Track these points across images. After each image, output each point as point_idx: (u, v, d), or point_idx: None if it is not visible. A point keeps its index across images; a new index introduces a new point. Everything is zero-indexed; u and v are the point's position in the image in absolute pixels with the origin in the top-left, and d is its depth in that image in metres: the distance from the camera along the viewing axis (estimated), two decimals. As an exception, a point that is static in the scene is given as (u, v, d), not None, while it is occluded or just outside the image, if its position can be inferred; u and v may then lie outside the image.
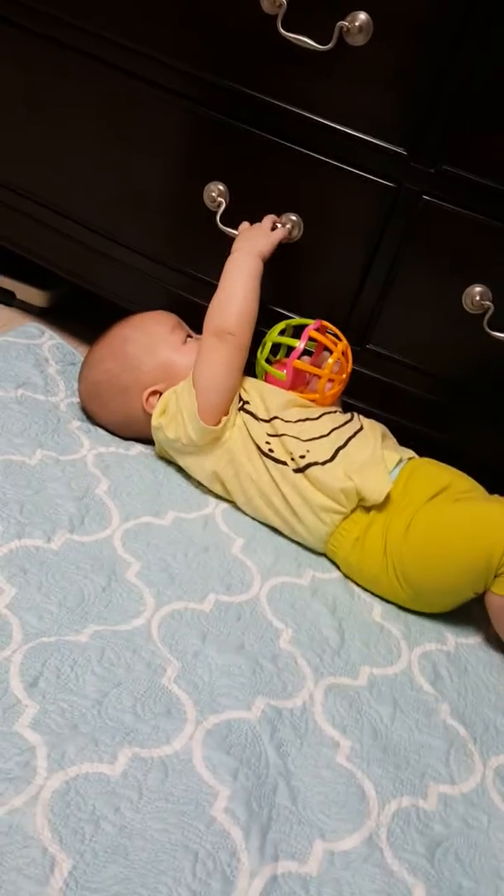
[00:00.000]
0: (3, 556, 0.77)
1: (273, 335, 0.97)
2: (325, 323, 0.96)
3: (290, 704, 0.70)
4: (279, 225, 0.94)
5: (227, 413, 0.91)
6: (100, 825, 0.56)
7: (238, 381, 0.93)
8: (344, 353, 0.95)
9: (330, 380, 0.95)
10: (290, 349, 0.96)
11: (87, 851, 0.54)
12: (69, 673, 0.67)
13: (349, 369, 0.96)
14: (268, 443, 0.90)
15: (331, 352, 0.94)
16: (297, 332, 0.97)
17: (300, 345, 0.93)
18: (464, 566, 0.80)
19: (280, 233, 0.93)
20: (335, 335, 0.96)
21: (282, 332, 0.97)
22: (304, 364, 0.96)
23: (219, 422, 0.91)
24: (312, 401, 0.96)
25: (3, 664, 0.66)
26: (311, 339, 0.94)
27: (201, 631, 0.76)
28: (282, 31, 0.84)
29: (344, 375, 0.95)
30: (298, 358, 0.95)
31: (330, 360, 0.94)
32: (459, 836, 0.63)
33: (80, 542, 0.82)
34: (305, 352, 0.95)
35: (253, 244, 0.92)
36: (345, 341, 0.95)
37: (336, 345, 0.94)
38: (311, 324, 0.95)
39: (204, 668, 0.72)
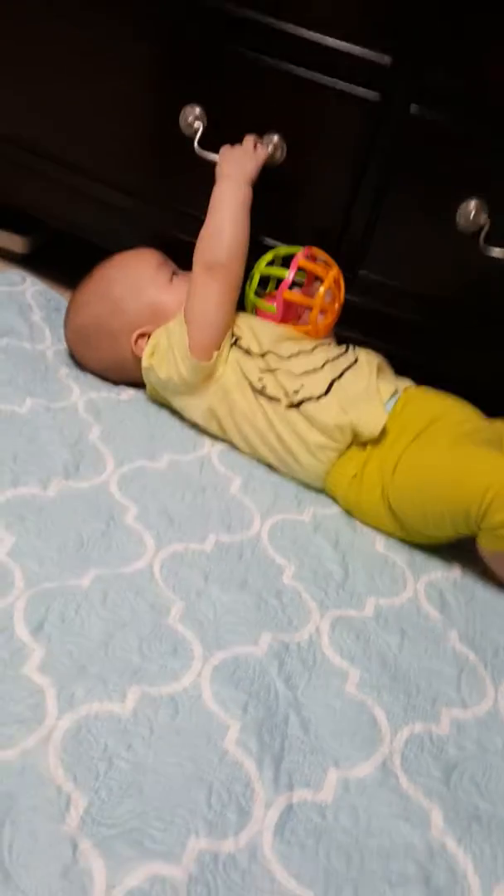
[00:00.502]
0: (1, 505, 0.75)
1: (261, 266, 0.94)
2: (315, 250, 0.93)
3: (296, 638, 0.70)
4: (260, 145, 0.90)
5: (219, 348, 0.89)
6: (113, 762, 0.56)
7: (231, 315, 0.91)
8: (336, 281, 0.92)
9: (322, 310, 0.93)
10: (280, 280, 0.93)
11: (102, 788, 0.54)
12: (73, 616, 0.66)
13: (342, 298, 0.93)
14: (260, 379, 0.88)
15: (322, 280, 0.92)
16: (285, 261, 0.94)
17: (289, 275, 0.91)
18: (444, 512, 0.78)
19: (263, 152, 0.90)
20: (325, 262, 0.93)
21: (270, 263, 0.95)
22: (295, 295, 0.93)
23: (211, 357, 0.88)
24: (305, 333, 0.94)
25: (6, 610, 0.65)
26: (300, 268, 0.91)
27: (203, 571, 0.75)
28: None
29: (336, 305, 0.93)
30: (288, 289, 0.92)
31: (321, 290, 0.91)
32: (474, 760, 0.63)
33: (77, 488, 0.81)
34: (295, 283, 0.93)
35: (240, 169, 0.89)
36: (336, 268, 0.92)
37: (327, 272, 0.91)
38: (300, 252, 0.92)
39: (208, 606, 0.71)
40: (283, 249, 0.95)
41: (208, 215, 0.90)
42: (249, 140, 0.91)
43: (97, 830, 0.52)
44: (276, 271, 0.93)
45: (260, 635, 0.69)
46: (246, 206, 0.89)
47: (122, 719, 0.59)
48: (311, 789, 0.58)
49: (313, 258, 0.93)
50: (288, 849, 0.54)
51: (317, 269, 0.91)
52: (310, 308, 0.93)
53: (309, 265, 0.91)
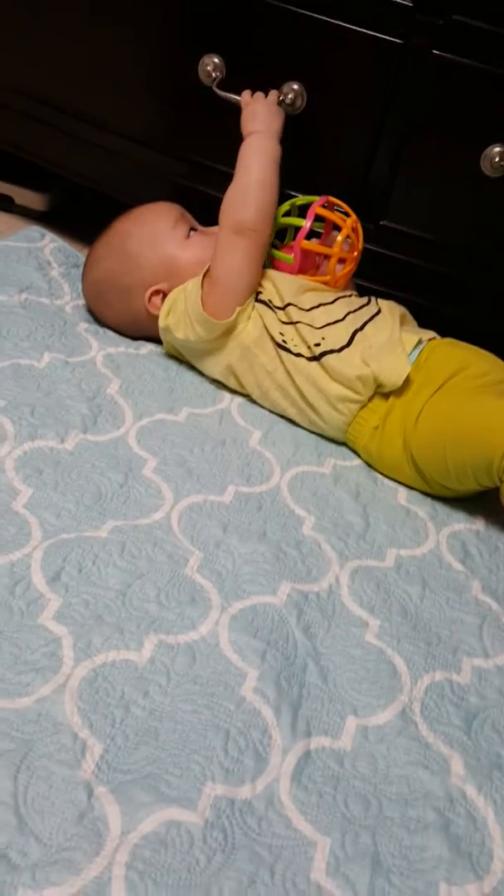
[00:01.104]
0: (18, 458, 0.75)
1: (278, 217, 0.91)
2: (332, 198, 0.91)
3: (315, 588, 0.69)
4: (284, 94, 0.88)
5: (242, 304, 0.87)
6: (129, 709, 0.56)
7: (258, 276, 0.89)
8: (354, 230, 0.89)
9: (340, 259, 0.90)
10: (298, 230, 0.91)
11: (118, 735, 0.54)
12: (91, 567, 0.66)
13: (360, 247, 0.90)
14: (281, 333, 0.87)
15: (340, 229, 0.89)
16: (302, 211, 0.91)
17: (306, 224, 0.88)
18: (466, 463, 0.77)
19: (284, 100, 0.88)
20: (343, 212, 0.91)
21: (286, 214, 0.92)
22: (313, 244, 0.90)
23: (231, 313, 0.87)
24: (324, 283, 0.92)
25: (23, 560, 0.65)
26: (318, 217, 0.89)
27: (222, 522, 0.74)
28: None
29: (355, 253, 0.90)
30: (306, 238, 0.89)
31: (339, 238, 0.88)
32: (496, 708, 0.62)
33: (94, 441, 0.80)
34: (313, 232, 0.90)
35: (269, 124, 0.86)
36: (354, 217, 0.90)
37: (345, 221, 0.89)
38: (317, 200, 0.89)
39: (227, 556, 0.70)
40: (301, 199, 0.92)
41: (236, 174, 0.87)
42: (273, 94, 0.88)
43: (113, 776, 0.52)
44: (293, 221, 0.91)
45: (279, 585, 0.68)
46: (276, 163, 0.87)
47: (139, 667, 0.59)
48: (329, 737, 0.57)
49: (331, 207, 0.90)
50: (305, 795, 0.53)
51: (335, 217, 0.89)
52: (328, 258, 0.91)
53: (326, 213, 0.88)
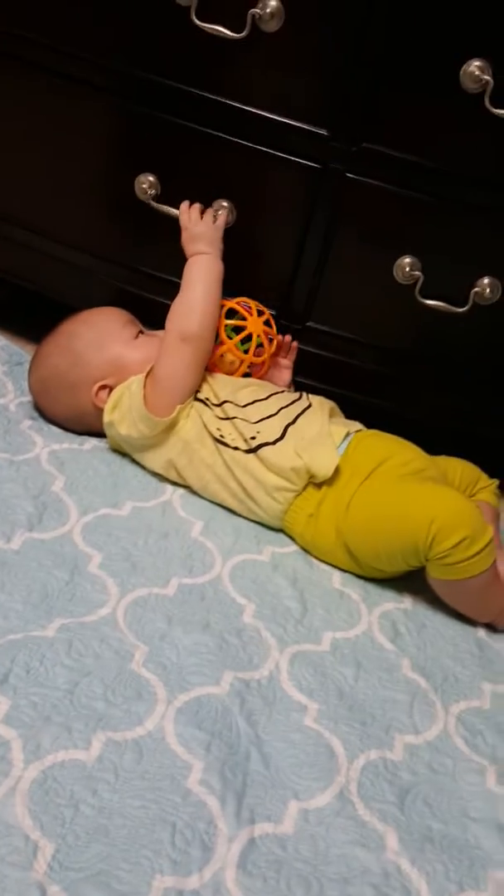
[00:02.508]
0: (-35, 561, 0.78)
1: None
2: (244, 300, 0.99)
3: (256, 675, 0.73)
4: (220, 213, 0.95)
5: (182, 402, 0.93)
6: (79, 808, 0.58)
7: (199, 379, 0.95)
8: (264, 332, 0.97)
9: (251, 363, 0.99)
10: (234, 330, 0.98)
11: (69, 834, 0.56)
12: (38, 667, 0.68)
13: (272, 349, 0.99)
14: (219, 429, 0.92)
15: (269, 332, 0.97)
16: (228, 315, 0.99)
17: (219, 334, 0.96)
18: (394, 547, 0.83)
19: (223, 219, 0.95)
20: (251, 310, 0.98)
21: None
22: (232, 350, 0.98)
23: (171, 412, 0.92)
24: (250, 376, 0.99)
25: (-28, 665, 0.67)
26: (234, 312, 0.97)
27: (166, 614, 0.77)
28: (196, 21, 0.85)
29: (264, 356, 0.99)
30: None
31: (234, 341, 0.97)
32: (426, 782, 0.66)
33: (40, 539, 0.83)
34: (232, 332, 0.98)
35: (213, 245, 0.94)
36: (258, 319, 0.97)
37: (255, 324, 0.97)
38: (225, 307, 0.97)
39: (171, 649, 0.73)
40: (228, 303, 0.99)
41: (183, 288, 0.94)
42: (210, 213, 0.95)
43: (65, 875, 0.54)
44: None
45: (222, 675, 0.71)
46: (220, 281, 0.94)
47: (88, 766, 0.61)
48: (273, 822, 0.60)
49: (248, 308, 0.98)
50: (250, 881, 0.56)
51: (250, 319, 0.97)
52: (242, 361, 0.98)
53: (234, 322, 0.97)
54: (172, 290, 0.95)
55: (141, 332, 1.02)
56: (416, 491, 0.85)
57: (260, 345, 0.98)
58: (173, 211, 0.96)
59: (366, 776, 0.65)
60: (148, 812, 0.59)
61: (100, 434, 1.01)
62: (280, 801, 0.62)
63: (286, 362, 1.06)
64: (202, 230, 0.94)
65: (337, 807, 0.62)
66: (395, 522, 0.83)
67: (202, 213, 0.95)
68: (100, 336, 0.99)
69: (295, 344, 1.04)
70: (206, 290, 0.93)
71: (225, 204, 0.96)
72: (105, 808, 0.58)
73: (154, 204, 0.97)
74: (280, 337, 1.01)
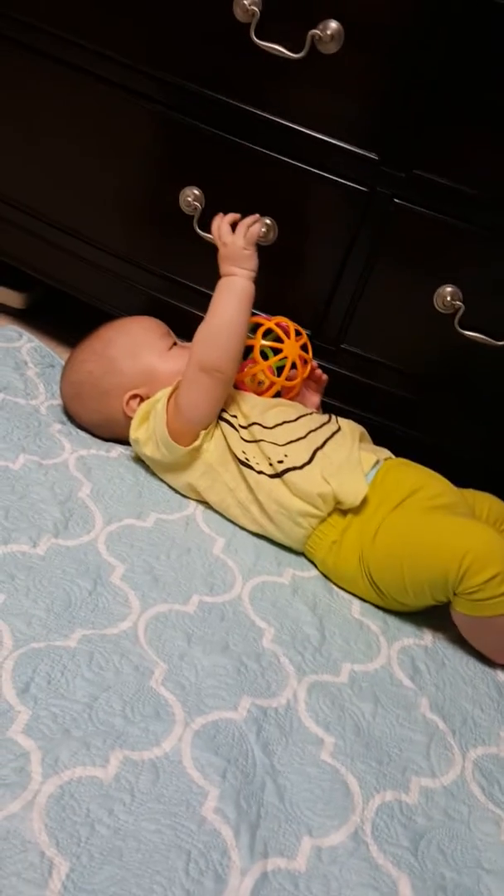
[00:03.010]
0: (-9, 563, 0.78)
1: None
2: (281, 320, 0.98)
3: (274, 703, 0.72)
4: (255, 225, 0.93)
5: (206, 428, 0.92)
6: (95, 828, 0.58)
7: (219, 409, 0.94)
8: (299, 356, 0.97)
9: (283, 386, 0.99)
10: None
11: (84, 854, 0.56)
12: (59, 678, 0.68)
13: (305, 373, 0.99)
14: (244, 451, 0.91)
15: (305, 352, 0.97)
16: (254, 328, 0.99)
17: (254, 354, 0.97)
18: (423, 579, 0.82)
19: (255, 232, 0.92)
20: (288, 332, 0.98)
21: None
22: (265, 372, 0.98)
23: (195, 440, 0.91)
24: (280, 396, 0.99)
25: (-6, 671, 0.67)
26: (271, 338, 0.97)
27: (186, 632, 0.77)
28: (255, 39, 0.85)
29: (297, 379, 0.98)
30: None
31: (267, 363, 0.97)
32: (441, 828, 0.66)
33: (65, 546, 0.83)
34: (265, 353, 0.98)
35: (250, 266, 0.91)
36: (295, 342, 0.97)
37: (292, 348, 0.96)
38: (263, 326, 0.97)
39: (190, 669, 0.73)
40: (265, 323, 0.99)
41: (210, 311, 0.92)
42: (242, 227, 0.91)
43: (78, 896, 0.54)
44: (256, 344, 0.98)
45: (240, 700, 0.71)
46: (250, 304, 0.92)
47: (105, 784, 0.61)
48: (286, 858, 0.60)
49: (286, 330, 0.97)
50: (261, 916, 0.56)
51: (285, 341, 0.97)
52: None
53: (272, 344, 0.97)
54: (206, 301, 0.94)
55: (175, 343, 1.01)
56: (449, 523, 0.85)
57: (293, 367, 0.97)
58: (212, 238, 0.96)
59: (380, 817, 0.65)
60: (163, 837, 0.59)
61: (126, 442, 1.01)
62: (294, 837, 0.62)
63: (316, 385, 1.05)
64: (230, 250, 0.91)
65: (351, 847, 0.62)
66: (426, 553, 0.82)
67: (235, 224, 0.93)
68: (135, 345, 0.99)
69: (325, 377, 1.04)
70: (232, 319, 0.91)
71: (268, 221, 0.96)
72: (120, 830, 0.58)
73: (198, 230, 0.97)
74: (315, 363, 1.01)
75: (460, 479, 0.96)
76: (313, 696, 0.74)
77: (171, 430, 0.91)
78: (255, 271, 0.93)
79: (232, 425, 0.93)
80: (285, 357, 0.96)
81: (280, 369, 0.98)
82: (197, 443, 0.91)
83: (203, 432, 0.92)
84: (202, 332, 0.92)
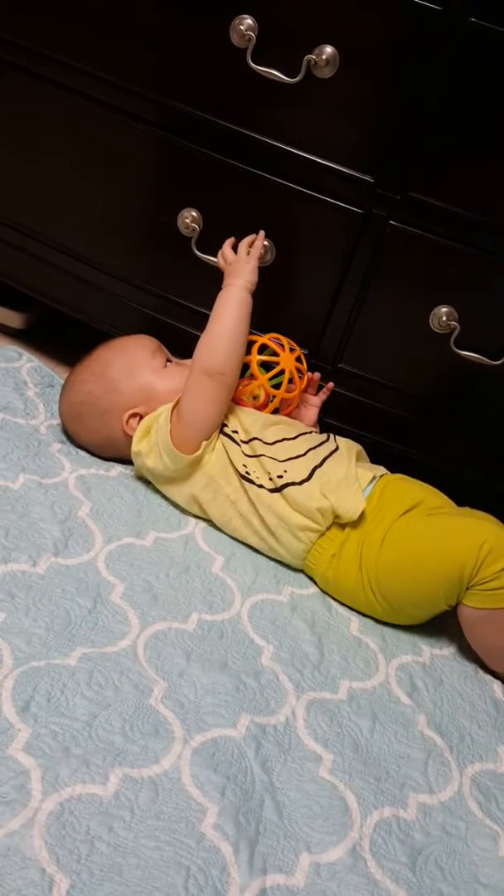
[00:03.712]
0: (-9, 582, 0.78)
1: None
2: (272, 337, 1.00)
3: (273, 721, 0.73)
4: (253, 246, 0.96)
5: (208, 439, 0.94)
6: (94, 845, 0.58)
7: (222, 415, 0.96)
8: (295, 368, 0.98)
9: (282, 399, 1.00)
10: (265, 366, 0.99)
11: (83, 871, 0.56)
12: (59, 696, 0.68)
13: (303, 385, 1.00)
14: (244, 465, 0.93)
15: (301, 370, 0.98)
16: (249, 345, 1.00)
17: (251, 370, 0.98)
18: (438, 578, 0.84)
19: (257, 249, 0.95)
20: (283, 346, 0.99)
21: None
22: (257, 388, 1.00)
23: (197, 449, 0.93)
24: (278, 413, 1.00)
25: (-6, 690, 0.67)
26: (267, 354, 0.98)
27: (185, 650, 0.78)
28: (251, 63, 0.86)
29: (296, 392, 1.00)
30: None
31: (265, 377, 0.98)
32: (439, 844, 0.66)
33: (65, 565, 0.84)
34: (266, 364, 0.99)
35: (248, 278, 0.94)
36: (290, 356, 0.98)
37: (287, 362, 0.98)
38: (257, 343, 0.98)
39: (189, 687, 0.74)
40: (260, 339, 1.01)
41: (212, 319, 0.95)
42: (244, 245, 0.96)
43: (78, 913, 0.54)
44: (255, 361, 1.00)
45: (239, 717, 0.72)
46: (248, 313, 0.95)
47: (104, 801, 0.61)
48: (284, 874, 0.60)
49: (280, 344, 0.99)
50: (260, 933, 0.56)
51: (280, 354, 0.98)
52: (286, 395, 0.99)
53: (268, 359, 0.98)
54: (204, 321, 0.96)
55: (169, 360, 1.03)
56: (459, 520, 0.88)
57: (291, 381, 0.99)
58: (213, 259, 0.98)
59: (379, 833, 0.65)
60: (162, 854, 0.59)
61: (126, 461, 1.02)
62: (292, 853, 0.62)
63: (315, 400, 1.07)
64: (233, 266, 0.95)
65: (349, 863, 0.62)
66: (441, 548, 0.84)
67: (235, 245, 0.97)
68: (131, 363, 1.01)
69: (330, 385, 1.05)
70: (232, 325, 0.94)
71: (266, 242, 0.97)
72: (120, 847, 0.59)
73: (196, 252, 0.99)
74: (310, 374, 1.02)
75: (460, 499, 0.97)
76: (312, 714, 0.75)
77: (175, 438, 0.92)
78: (254, 284, 0.95)
79: (233, 440, 0.94)
80: (282, 370, 0.98)
81: (278, 385, 0.99)
82: (198, 452, 0.92)
83: (205, 443, 0.93)
84: (204, 339, 0.94)
